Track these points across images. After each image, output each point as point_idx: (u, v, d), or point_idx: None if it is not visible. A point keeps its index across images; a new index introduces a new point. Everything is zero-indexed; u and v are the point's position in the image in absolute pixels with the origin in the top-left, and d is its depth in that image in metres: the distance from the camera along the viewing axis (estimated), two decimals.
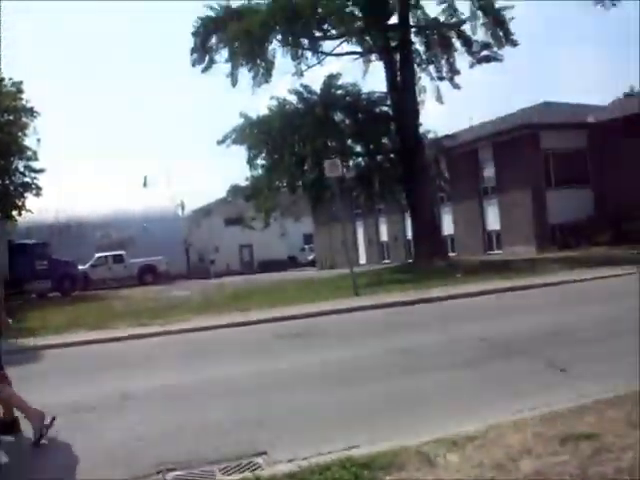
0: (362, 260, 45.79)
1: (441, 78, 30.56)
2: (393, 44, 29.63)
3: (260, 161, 29.85)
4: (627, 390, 6.26)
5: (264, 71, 29.39)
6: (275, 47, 29.85)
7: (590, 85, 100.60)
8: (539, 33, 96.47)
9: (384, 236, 45.53)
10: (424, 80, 30.73)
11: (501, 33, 28.84)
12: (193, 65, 29.97)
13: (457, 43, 29.87)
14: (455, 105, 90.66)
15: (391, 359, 9.50)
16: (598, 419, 5.48)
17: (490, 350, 9.37)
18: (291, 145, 28.95)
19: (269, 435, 6.31)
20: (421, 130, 30.27)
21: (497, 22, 28.76)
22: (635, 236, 27.77)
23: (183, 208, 62.11)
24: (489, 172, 35.75)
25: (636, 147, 30.45)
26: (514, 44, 29.02)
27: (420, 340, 10.69)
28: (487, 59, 29.68)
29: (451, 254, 33.92)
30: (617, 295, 14.31)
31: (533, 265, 22.51)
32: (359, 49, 31.37)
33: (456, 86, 30.66)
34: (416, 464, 4.85)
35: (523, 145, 32.72)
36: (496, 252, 34.57)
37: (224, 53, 29.73)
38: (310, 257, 61.03)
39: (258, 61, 29.20)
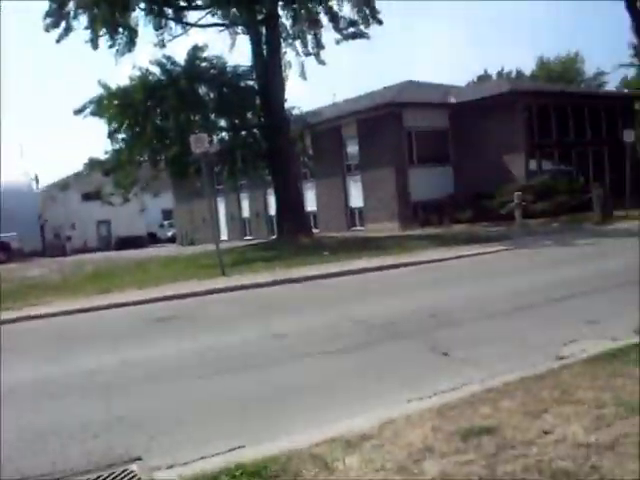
0: (224, 236, 45.22)
1: (307, 54, 30.28)
2: (260, 17, 28.97)
3: (121, 134, 28.44)
4: (514, 377, 6.18)
5: (127, 40, 27.93)
6: (138, 15, 28.59)
7: (449, 66, 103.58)
8: (405, 13, 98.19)
9: (246, 212, 45.28)
10: (290, 55, 30.35)
11: (367, 11, 28.81)
12: (47, 30, 27.60)
13: (324, 19, 29.68)
14: (319, 82, 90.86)
15: (267, 345, 9.07)
16: (493, 410, 5.30)
17: (370, 334, 9.12)
18: (153, 118, 27.82)
19: (142, 437, 5.73)
20: (286, 106, 29.96)
21: (364, 0, 28.68)
22: (492, 214, 28.76)
23: (37, 182, 59.28)
24: (353, 149, 35.99)
25: (492, 127, 31.50)
26: (380, 22, 29.07)
27: (295, 324, 10.32)
28: (354, 36, 29.61)
29: (314, 230, 33.90)
30: (488, 273, 14.57)
31: (399, 243, 22.74)
32: (225, 21, 30.56)
33: (321, 62, 30.46)
34: (312, 470, 4.44)
35: (386, 123, 33.08)
36: (359, 228, 34.96)
37: (83, 20, 27.79)
38: (170, 233, 59.74)
39: (120, 29, 27.71)
